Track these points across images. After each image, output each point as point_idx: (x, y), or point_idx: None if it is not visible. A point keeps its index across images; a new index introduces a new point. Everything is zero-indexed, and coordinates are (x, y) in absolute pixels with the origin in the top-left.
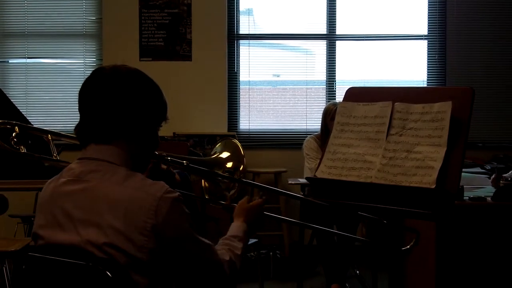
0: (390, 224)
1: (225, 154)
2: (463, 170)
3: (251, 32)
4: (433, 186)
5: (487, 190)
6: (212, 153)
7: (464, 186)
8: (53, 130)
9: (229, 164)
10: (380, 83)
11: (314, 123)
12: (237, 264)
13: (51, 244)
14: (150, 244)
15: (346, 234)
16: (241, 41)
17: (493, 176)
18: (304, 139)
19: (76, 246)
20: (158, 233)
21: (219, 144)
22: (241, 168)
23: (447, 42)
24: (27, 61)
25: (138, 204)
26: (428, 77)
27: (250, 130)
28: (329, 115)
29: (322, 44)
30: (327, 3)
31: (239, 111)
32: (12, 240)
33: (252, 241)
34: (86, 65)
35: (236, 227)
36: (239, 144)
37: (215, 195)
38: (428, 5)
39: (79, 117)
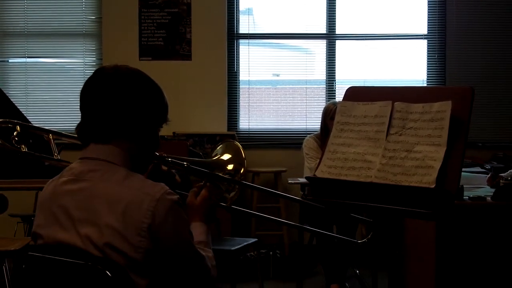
0: (377, 223)
1: (226, 156)
2: (463, 169)
3: (251, 32)
4: (433, 186)
5: (486, 189)
6: (213, 154)
7: (464, 186)
8: (53, 130)
9: (230, 166)
10: (380, 82)
11: (314, 123)
12: (215, 275)
13: (50, 243)
14: (146, 245)
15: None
16: (241, 41)
17: (489, 175)
18: (304, 139)
19: (76, 246)
20: (154, 234)
21: (220, 145)
22: (242, 171)
23: (446, 41)
24: (27, 61)
25: (137, 204)
26: (427, 76)
27: (250, 130)
28: (328, 115)
29: (322, 44)
30: (327, 2)
31: (238, 111)
32: (12, 239)
33: (252, 240)
34: (86, 65)
35: (197, 230)
36: (240, 146)
37: (215, 196)
38: (428, 4)
39: (79, 117)
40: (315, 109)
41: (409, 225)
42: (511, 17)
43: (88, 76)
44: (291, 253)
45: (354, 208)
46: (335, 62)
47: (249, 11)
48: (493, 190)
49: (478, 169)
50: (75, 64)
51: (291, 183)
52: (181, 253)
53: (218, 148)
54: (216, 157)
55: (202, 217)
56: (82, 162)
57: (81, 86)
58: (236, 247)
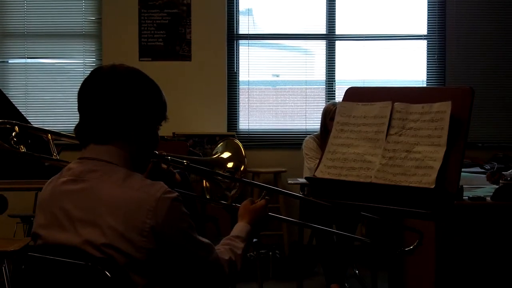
0: (394, 224)
1: (226, 154)
2: (463, 170)
3: (250, 32)
4: (433, 186)
5: (486, 189)
6: (213, 153)
7: (464, 186)
8: (52, 130)
9: (230, 164)
10: (380, 83)
11: (314, 123)
12: (238, 264)
13: (50, 244)
14: (149, 245)
15: (346, 233)
16: (241, 41)
17: (489, 171)
18: (304, 139)
19: (76, 246)
20: (157, 234)
21: (221, 144)
22: (242, 168)
23: (446, 42)
24: (27, 61)
25: (137, 204)
26: (427, 77)
27: (250, 130)
28: (328, 115)
29: (321, 44)
30: (326, 3)
31: (238, 111)
32: (11, 240)
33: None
34: (85, 65)
35: (239, 227)
36: (240, 144)
37: (216, 195)
38: (428, 5)
39: (78, 117)
40: (315, 109)
41: (409, 225)
42: (511, 17)
43: None
44: (291, 253)
45: (356, 209)
46: (334, 63)
47: (249, 12)
48: (492, 190)
49: (478, 169)
50: (75, 64)
51: (291, 184)
52: (185, 247)
53: (218, 146)
54: (216, 155)
55: (250, 220)
56: (81, 162)
57: None
58: None
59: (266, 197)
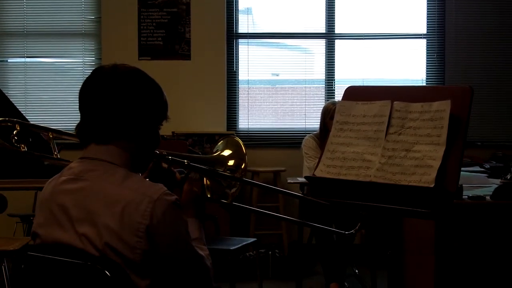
0: (368, 216)
1: (227, 152)
2: (462, 169)
3: (250, 31)
4: (432, 185)
5: (486, 189)
6: (214, 150)
7: (463, 185)
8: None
9: (231, 162)
10: (379, 82)
11: (313, 122)
12: (212, 274)
13: (49, 242)
14: (143, 246)
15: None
16: (240, 40)
17: None
18: (303, 138)
19: (74, 245)
20: (151, 235)
21: (221, 142)
22: (243, 166)
23: (446, 40)
24: (26, 60)
25: (135, 205)
26: (427, 76)
27: (249, 129)
28: (328, 114)
29: (321, 43)
30: (326, 2)
31: (238, 110)
32: (11, 239)
33: (251, 240)
34: (85, 64)
35: (190, 227)
36: (241, 142)
37: (216, 193)
38: (427, 3)
39: (79, 117)
40: (315, 108)
41: (408, 224)
42: (510, 16)
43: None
44: (290, 252)
45: (356, 208)
46: (334, 62)
47: (248, 11)
48: (492, 189)
49: (477, 168)
50: (74, 64)
51: (290, 183)
52: (179, 254)
53: (219, 144)
54: (217, 153)
55: (190, 213)
56: (82, 162)
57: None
58: (235, 247)
59: (182, 175)
